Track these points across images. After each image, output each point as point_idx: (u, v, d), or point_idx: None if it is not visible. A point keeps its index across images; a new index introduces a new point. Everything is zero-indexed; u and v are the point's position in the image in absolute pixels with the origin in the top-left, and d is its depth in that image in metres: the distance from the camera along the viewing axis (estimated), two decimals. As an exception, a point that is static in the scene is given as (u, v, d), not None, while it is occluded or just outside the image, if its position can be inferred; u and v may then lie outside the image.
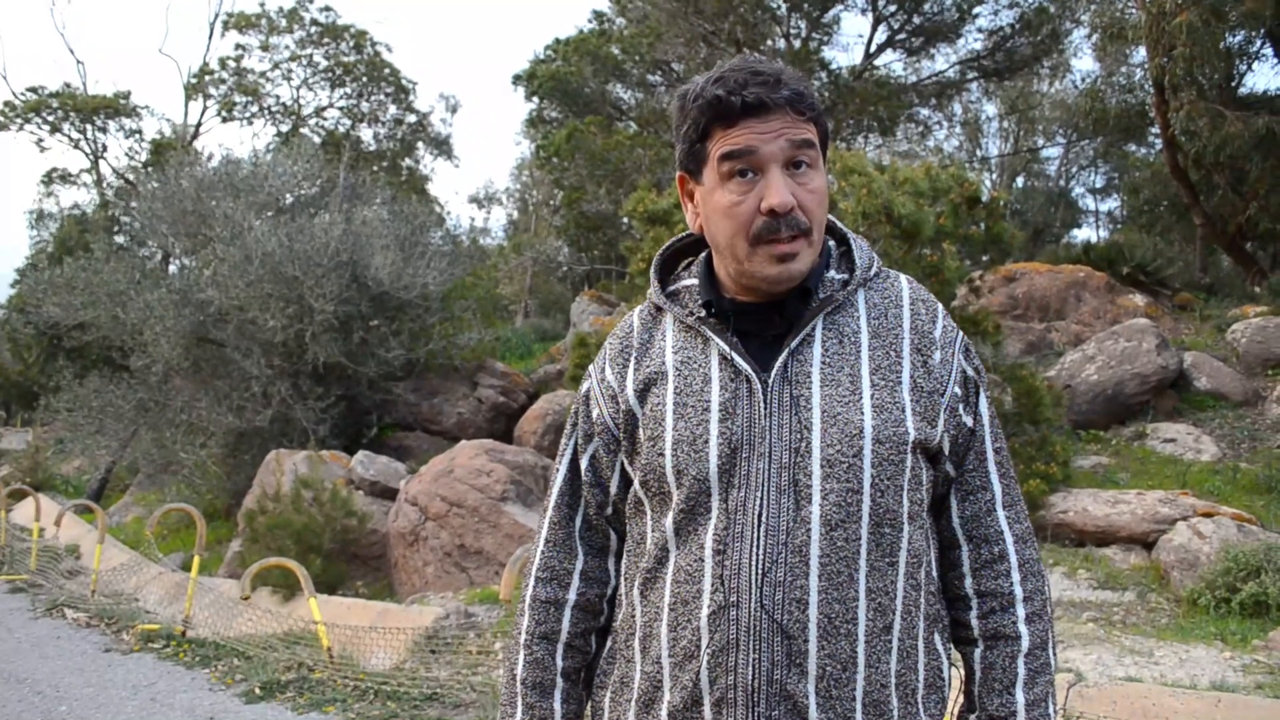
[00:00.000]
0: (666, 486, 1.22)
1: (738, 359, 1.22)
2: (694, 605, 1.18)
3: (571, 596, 1.36)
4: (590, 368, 1.41)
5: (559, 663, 1.35)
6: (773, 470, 1.17)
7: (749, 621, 1.14)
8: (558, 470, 1.41)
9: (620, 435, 1.32)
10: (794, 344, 1.22)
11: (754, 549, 1.15)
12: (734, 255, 1.24)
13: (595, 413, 1.35)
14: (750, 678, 1.13)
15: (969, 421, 1.28)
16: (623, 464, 1.33)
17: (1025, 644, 1.24)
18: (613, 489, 1.35)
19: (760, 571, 1.14)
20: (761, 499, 1.16)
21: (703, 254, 1.35)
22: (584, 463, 1.37)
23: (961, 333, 1.32)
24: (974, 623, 1.27)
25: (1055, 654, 1.27)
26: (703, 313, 1.27)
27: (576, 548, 1.38)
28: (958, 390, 1.26)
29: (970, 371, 1.29)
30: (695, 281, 1.32)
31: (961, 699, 1.31)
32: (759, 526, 1.15)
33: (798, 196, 1.20)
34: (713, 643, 1.16)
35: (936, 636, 1.24)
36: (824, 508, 1.15)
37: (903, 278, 1.33)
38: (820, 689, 1.13)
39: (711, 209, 1.26)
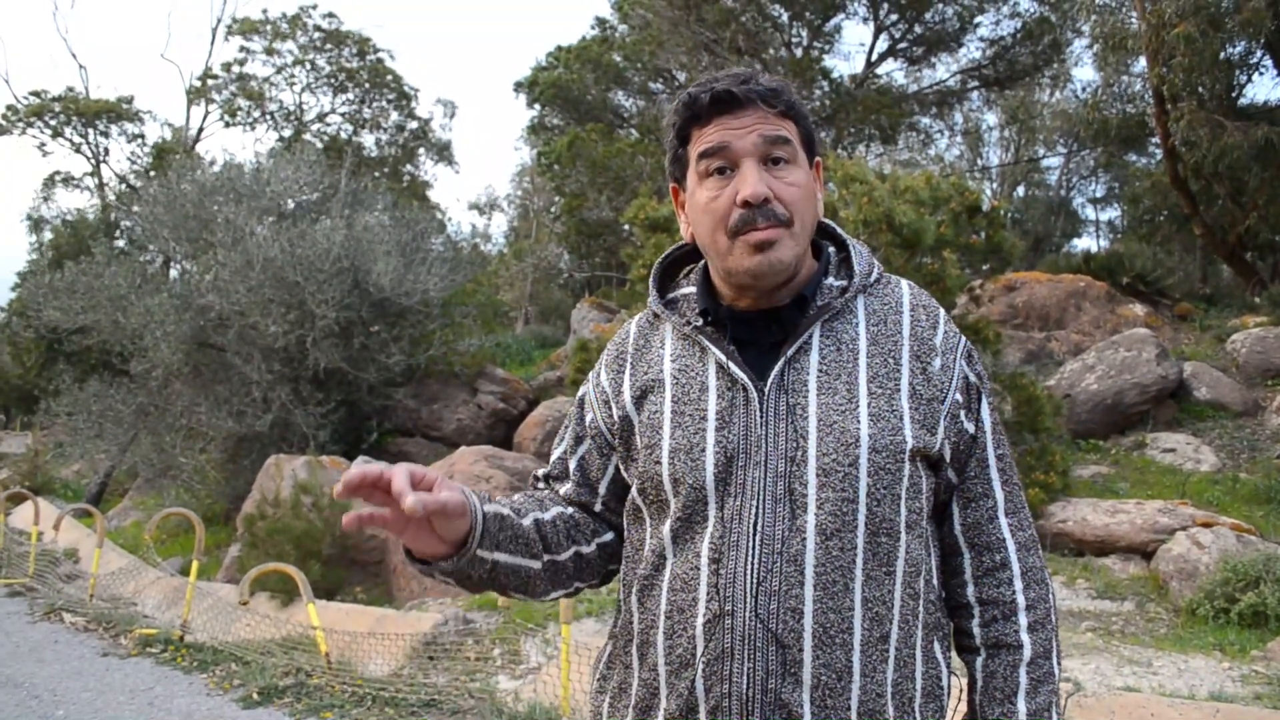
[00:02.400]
0: (664, 494, 1.23)
1: (734, 368, 1.21)
2: (690, 613, 1.17)
3: (567, 510, 1.36)
4: (590, 374, 1.43)
5: (531, 510, 1.32)
6: (769, 479, 1.16)
7: (744, 630, 1.13)
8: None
9: (614, 440, 1.33)
10: (790, 352, 1.21)
11: (749, 558, 1.15)
12: (716, 252, 1.25)
13: (589, 417, 1.37)
14: (745, 687, 1.13)
15: (970, 428, 1.27)
16: (616, 469, 1.34)
17: (1027, 653, 1.23)
18: (601, 490, 1.36)
19: (755, 580, 1.14)
20: (757, 508, 1.16)
21: (701, 262, 1.35)
22: (572, 464, 1.38)
23: (964, 338, 1.31)
24: (976, 631, 1.26)
25: (1059, 663, 1.26)
26: (700, 321, 1.28)
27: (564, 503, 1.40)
28: (959, 397, 1.25)
29: (973, 377, 1.28)
30: (694, 289, 1.33)
31: (964, 708, 1.31)
32: (754, 535, 1.15)
33: (774, 189, 1.20)
34: (708, 651, 1.15)
35: (936, 645, 1.23)
36: (819, 517, 1.15)
37: (904, 283, 1.32)
38: (815, 698, 1.13)
39: (693, 209, 1.27)
